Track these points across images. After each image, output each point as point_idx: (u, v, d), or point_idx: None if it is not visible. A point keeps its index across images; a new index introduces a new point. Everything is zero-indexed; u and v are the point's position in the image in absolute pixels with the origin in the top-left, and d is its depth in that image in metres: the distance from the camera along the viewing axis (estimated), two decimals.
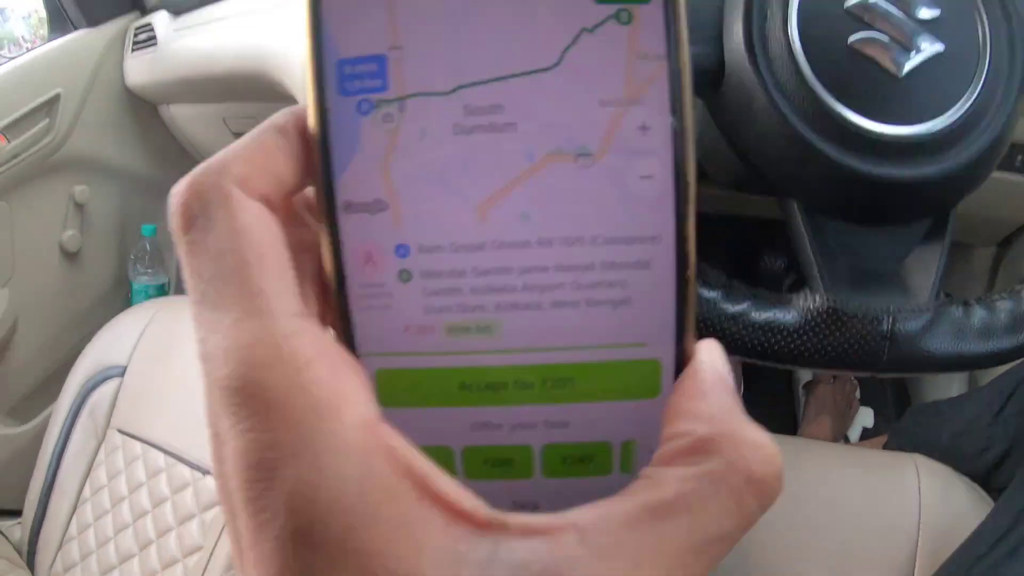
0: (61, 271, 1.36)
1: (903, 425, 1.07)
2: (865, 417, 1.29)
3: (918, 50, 0.41)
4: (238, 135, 1.28)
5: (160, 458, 0.97)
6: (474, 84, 0.17)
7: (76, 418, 1.06)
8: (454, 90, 0.17)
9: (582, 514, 0.15)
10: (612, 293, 0.18)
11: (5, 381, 1.28)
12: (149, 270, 1.39)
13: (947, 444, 0.93)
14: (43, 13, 1.44)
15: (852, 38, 0.41)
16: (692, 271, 0.18)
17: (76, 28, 1.37)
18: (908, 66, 0.41)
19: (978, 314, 0.44)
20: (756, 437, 0.16)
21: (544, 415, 0.18)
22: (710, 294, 0.45)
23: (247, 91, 1.11)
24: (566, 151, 0.17)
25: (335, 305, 0.18)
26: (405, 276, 0.18)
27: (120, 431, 1.03)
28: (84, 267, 1.39)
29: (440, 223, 0.18)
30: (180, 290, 1.44)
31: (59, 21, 1.39)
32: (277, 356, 0.15)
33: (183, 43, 1.21)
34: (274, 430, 0.15)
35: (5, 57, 1.49)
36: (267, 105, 1.09)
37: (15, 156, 1.24)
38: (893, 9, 0.41)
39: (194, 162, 1.15)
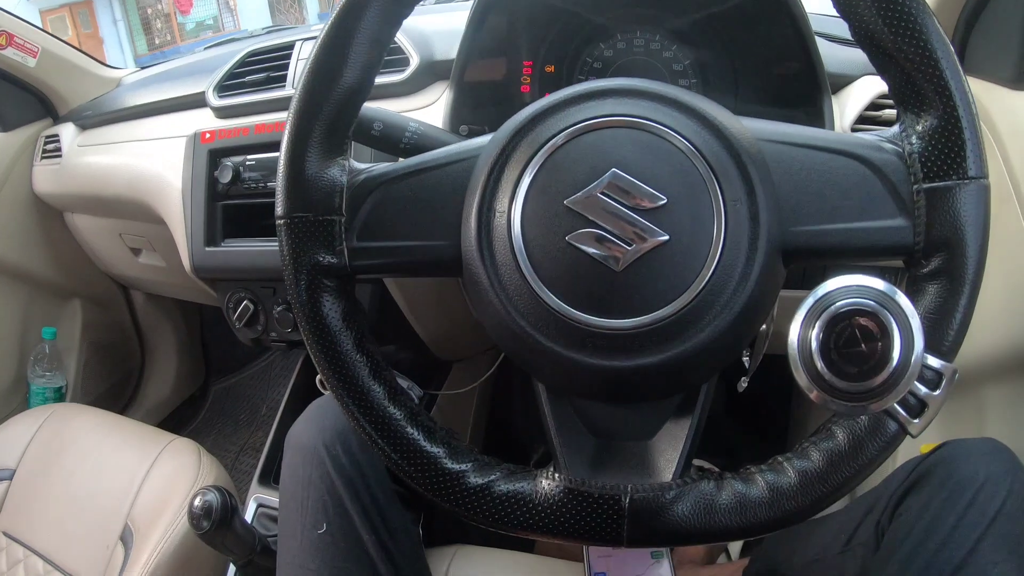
0: None
1: (765, 547, 1.09)
2: None
3: (639, 242, 0.41)
4: (133, 250, 1.32)
5: (39, 565, 0.98)
6: None
7: None
8: None
9: None
10: None
11: None
12: (47, 373, 1.40)
13: (799, 572, 0.95)
14: None
15: (569, 235, 0.42)
16: None
17: None
18: (626, 260, 0.41)
19: (732, 488, 0.44)
20: None
21: None
22: (458, 467, 0.47)
23: (136, 213, 1.15)
24: None
25: None
26: None
27: (5, 533, 1.03)
28: None
29: None
30: (76, 394, 1.45)
31: None
32: None
33: (84, 160, 1.25)
34: None
35: None
36: (156, 226, 1.13)
37: None
38: (612, 203, 0.42)
39: (96, 270, 1.17)
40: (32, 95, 1.40)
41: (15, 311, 1.43)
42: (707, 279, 0.41)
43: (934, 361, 0.40)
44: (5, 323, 1.41)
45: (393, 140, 0.66)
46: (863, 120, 0.76)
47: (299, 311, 0.48)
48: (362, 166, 0.50)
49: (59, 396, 1.41)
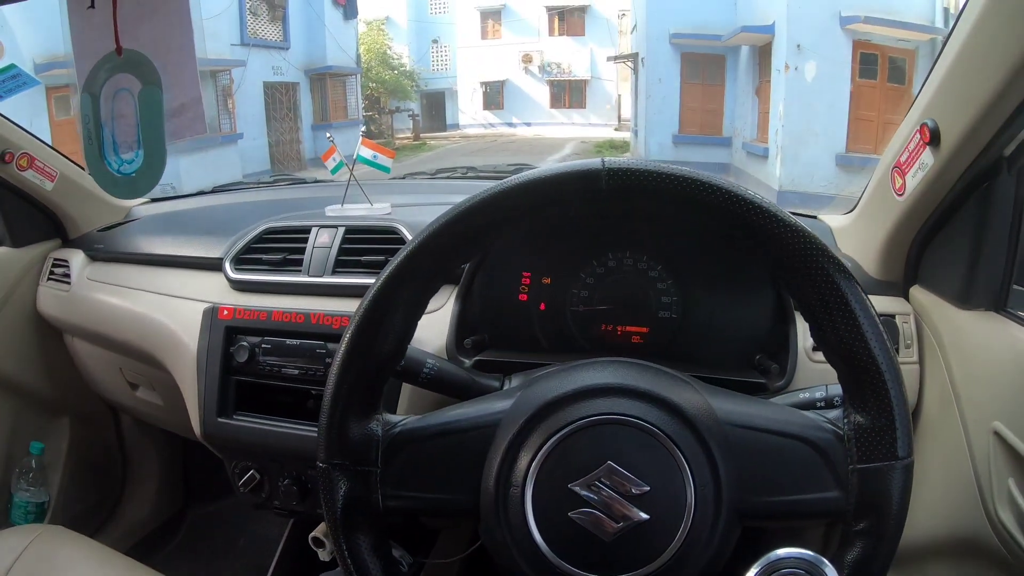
0: None
1: None
2: None
3: (625, 521, 0.54)
4: (132, 384, 1.38)
5: None
6: None
7: None
8: None
9: None
10: None
11: None
12: (32, 488, 1.43)
13: None
14: None
15: (571, 512, 0.55)
16: None
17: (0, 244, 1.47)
18: (614, 533, 0.54)
19: None
20: None
21: None
22: None
23: (141, 357, 1.23)
24: None
25: None
26: None
27: None
28: None
29: None
30: (58, 513, 1.48)
31: None
32: None
33: (93, 295, 1.32)
34: None
35: None
36: (158, 371, 1.21)
37: None
38: (607, 488, 0.55)
39: (89, 390, 1.24)
40: (45, 215, 1.47)
41: (4, 422, 1.46)
42: (677, 547, 0.54)
43: None
44: None
45: (413, 374, 0.79)
46: None
47: (336, 542, 0.59)
48: (395, 418, 0.62)
49: (40, 511, 1.44)
